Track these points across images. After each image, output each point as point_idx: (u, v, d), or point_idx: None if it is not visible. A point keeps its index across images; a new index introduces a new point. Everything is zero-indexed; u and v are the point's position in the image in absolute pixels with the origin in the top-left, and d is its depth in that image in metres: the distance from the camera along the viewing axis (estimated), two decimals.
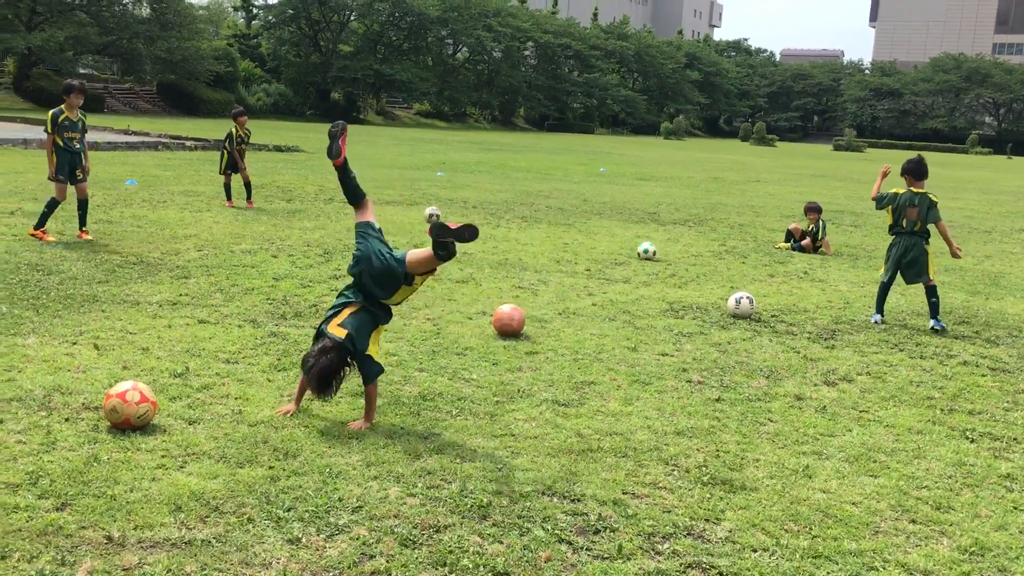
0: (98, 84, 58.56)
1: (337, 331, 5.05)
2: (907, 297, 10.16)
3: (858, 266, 12.38)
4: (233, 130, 14.82)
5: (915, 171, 8.66)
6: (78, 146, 10.60)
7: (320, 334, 5.12)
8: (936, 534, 4.26)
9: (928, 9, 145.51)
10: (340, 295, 5.35)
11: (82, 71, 62.06)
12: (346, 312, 5.16)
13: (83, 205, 10.70)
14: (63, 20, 51.78)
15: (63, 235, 10.74)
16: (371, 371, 5.15)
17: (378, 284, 5.16)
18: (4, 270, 8.59)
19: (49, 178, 10.58)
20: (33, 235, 10.37)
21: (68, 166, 10.51)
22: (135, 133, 31.61)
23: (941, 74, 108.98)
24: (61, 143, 10.43)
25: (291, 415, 5.23)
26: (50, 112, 10.47)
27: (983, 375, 7.07)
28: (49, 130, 10.40)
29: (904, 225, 8.62)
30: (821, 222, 13.60)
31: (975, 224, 19.18)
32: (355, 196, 5.51)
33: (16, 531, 3.73)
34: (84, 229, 10.70)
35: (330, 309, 5.29)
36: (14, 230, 10.86)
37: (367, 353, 5.12)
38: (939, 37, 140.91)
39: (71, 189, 10.68)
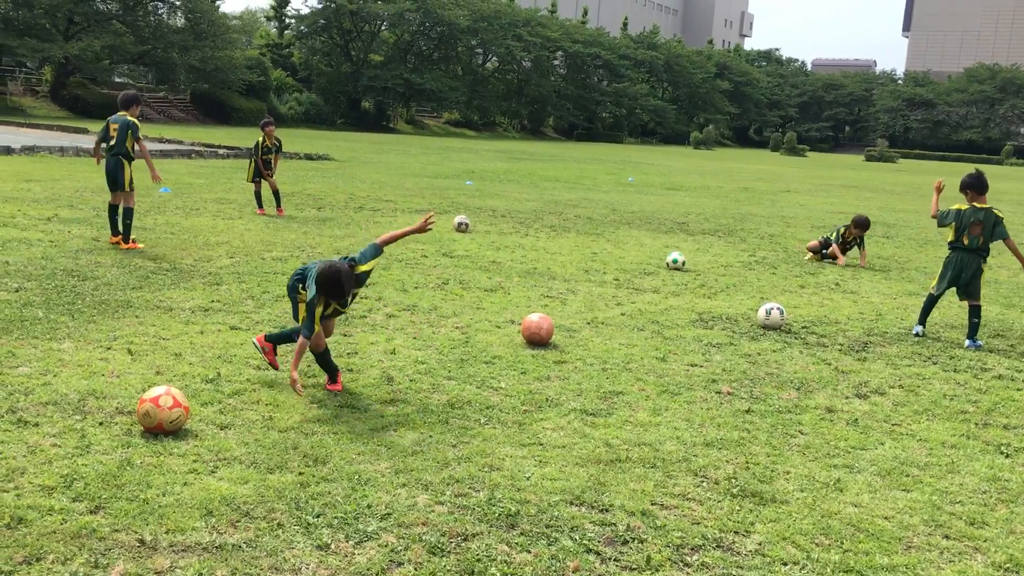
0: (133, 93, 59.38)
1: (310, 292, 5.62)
2: (941, 310, 10.02)
3: (890, 278, 12.26)
4: (260, 139, 14.98)
5: (976, 186, 8.34)
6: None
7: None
8: (970, 550, 4.20)
9: (962, 19, 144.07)
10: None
11: (117, 80, 63.01)
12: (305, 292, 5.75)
13: (118, 211, 10.89)
14: (100, 30, 52.69)
15: (97, 240, 10.90)
16: (305, 324, 5.62)
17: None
18: (41, 276, 8.73)
19: (156, 179, 11.00)
20: (128, 248, 10.59)
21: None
22: (169, 141, 32.02)
23: (975, 84, 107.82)
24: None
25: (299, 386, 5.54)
26: (135, 121, 10.76)
27: (1018, 389, 6.97)
28: (141, 136, 10.83)
29: (966, 242, 8.33)
30: (861, 238, 13.37)
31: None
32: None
33: (51, 533, 3.78)
34: (119, 237, 10.88)
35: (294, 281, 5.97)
36: (51, 236, 11.03)
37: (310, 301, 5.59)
38: (973, 47, 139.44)
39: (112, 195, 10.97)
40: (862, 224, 13.32)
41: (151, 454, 4.64)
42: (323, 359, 5.89)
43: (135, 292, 8.33)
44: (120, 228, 10.70)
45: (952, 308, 10.15)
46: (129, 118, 10.69)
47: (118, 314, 7.47)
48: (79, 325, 7.03)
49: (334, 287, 5.46)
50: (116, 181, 10.75)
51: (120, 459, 4.55)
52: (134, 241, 10.76)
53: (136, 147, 10.77)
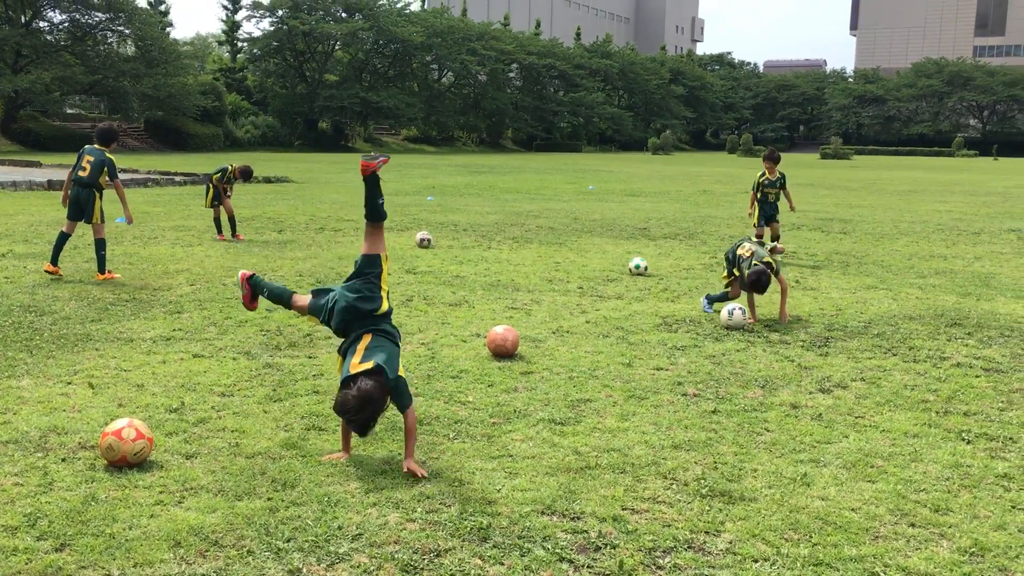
0: (85, 123, 58.69)
1: (363, 367, 4.71)
2: (898, 301, 10.20)
3: (849, 272, 12.44)
4: (230, 170, 14.86)
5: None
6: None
7: (347, 380, 4.72)
8: (936, 536, 4.27)
9: (908, 15, 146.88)
10: (343, 343, 5.07)
11: (69, 111, 62.21)
12: (361, 347, 4.86)
13: (100, 244, 10.77)
14: (49, 62, 52.00)
15: (53, 274, 10.74)
16: (407, 396, 4.87)
17: (361, 302, 4.98)
18: None
19: (129, 221, 11.34)
20: (104, 279, 10.46)
21: None
22: (124, 171, 31.64)
23: (924, 79, 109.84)
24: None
25: (342, 460, 4.95)
26: (111, 158, 10.71)
27: (977, 376, 7.10)
28: (117, 175, 10.75)
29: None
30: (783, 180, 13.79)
31: (964, 226, 19.28)
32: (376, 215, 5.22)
33: (16, 574, 3.72)
34: (57, 267, 10.80)
35: (343, 355, 4.97)
36: (5, 272, 10.85)
37: (399, 375, 4.83)
38: (920, 42, 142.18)
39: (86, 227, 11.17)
40: (773, 157, 13.83)
41: (116, 488, 4.58)
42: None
43: (94, 325, 8.22)
44: (97, 260, 10.63)
45: (909, 300, 10.33)
46: (107, 155, 10.66)
47: (77, 348, 7.37)
48: (38, 361, 6.92)
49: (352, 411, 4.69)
50: (83, 211, 10.63)
51: (84, 494, 4.48)
52: (110, 272, 10.66)
53: (110, 182, 10.74)
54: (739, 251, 9.04)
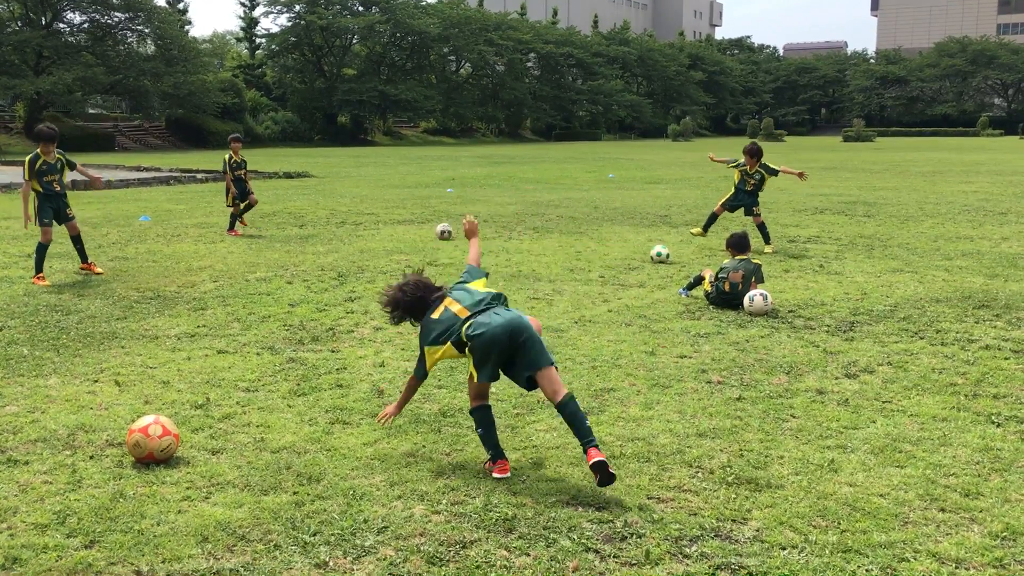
0: (107, 123, 59.22)
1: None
2: (925, 284, 10.09)
3: (874, 256, 12.31)
4: (228, 156, 14.95)
5: (737, 244, 9.27)
6: (58, 188, 10.66)
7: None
8: (966, 521, 4.21)
9: None
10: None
11: (91, 111, 62.76)
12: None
13: (77, 240, 10.84)
14: (70, 62, 52.45)
15: (79, 274, 10.85)
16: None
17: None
18: (24, 312, 8.68)
19: (30, 225, 10.61)
20: (34, 282, 10.41)
21: (51, 209, 10.61)
22: (146, 169, 31.89)
23: (946, 59, 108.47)
24: (41, 188, 10.51)
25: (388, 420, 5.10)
26: (27, 159, 10.54)
27: (1006, 358, 7.01)
28: (27, 177, 10.46)
29: (727, 288, 8.87)
30: (765, 166, 13.05)
31: (990, 207, 19.03)
32: None
33: (46, 571, 3.76)
34: (91, 262, 10.92)
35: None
36: (32, 272, 10.96)
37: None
38: (942, 21, 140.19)
39: (60, 229, 10.90)
40: (753, 152, 13.00)
41: (143, 484, 4.61)
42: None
43: (120, 323, 8.29)
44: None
45: (936, 282, 10.21)
46: (29, 155, 10.64)
47: (104, 346, 7.43)
48: (65, 360, 6.99)
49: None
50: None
51: (112, 491, 4.52)
52: (41, 276, 10.50)
53: (37, 185, 10.53)
54: (730, 278, 8.94)
